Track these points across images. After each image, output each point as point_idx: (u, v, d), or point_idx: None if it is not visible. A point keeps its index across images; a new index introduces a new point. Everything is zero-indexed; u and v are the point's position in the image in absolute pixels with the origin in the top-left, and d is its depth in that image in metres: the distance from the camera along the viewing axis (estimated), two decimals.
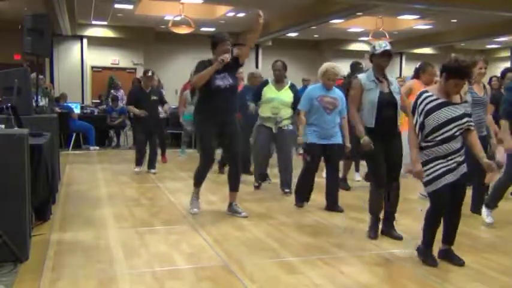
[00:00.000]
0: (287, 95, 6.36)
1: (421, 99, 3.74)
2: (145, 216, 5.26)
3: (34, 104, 6.46)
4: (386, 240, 4.42)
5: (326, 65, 5.65)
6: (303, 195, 5.75)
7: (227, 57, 4.91)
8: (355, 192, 6.66)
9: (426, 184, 3.78)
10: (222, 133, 5.15)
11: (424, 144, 3.74)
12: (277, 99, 6.31)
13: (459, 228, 4.93)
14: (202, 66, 5.03)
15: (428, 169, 3.73)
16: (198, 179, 5.36)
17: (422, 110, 3.71)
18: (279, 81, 6.41)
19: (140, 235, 4.53)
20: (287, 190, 6.35)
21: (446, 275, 3.63)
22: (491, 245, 4.45)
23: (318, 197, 5.90)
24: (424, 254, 3.85)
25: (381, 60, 4.42)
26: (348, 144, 5.65)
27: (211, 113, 5.08)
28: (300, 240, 4.44)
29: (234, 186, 5.33)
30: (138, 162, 8.03)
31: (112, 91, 13.61)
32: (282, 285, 3.40)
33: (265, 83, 6.49)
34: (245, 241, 4.39)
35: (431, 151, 3.72)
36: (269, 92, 6.37)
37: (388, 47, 4.42)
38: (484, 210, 5.07)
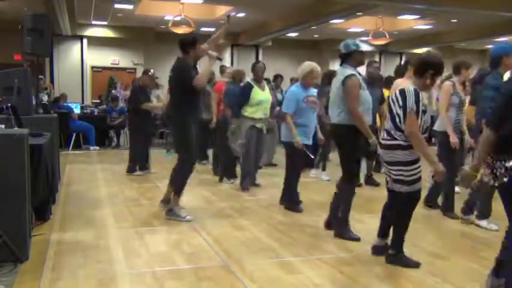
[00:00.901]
0: (269, 95, 6.75)
1: (420, 97, 3.66)
2: (145, 216, 5.26)
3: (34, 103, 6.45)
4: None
5: (310, 64, 5.56)
6: (297, 198, 5.66)
7: (217, 54, 5.13)
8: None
9: (409, 183, 3.72)
10: None
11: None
12: (265, 101, 6.56)
13: (460, 229, 4.94)
14: (190, 67, 5.06)
15: (414, 169, 3.70)
16: (184, 184, 5.14)
17: (418, 108, 3.64)
18: (260, 81, 6.62)
19: (140, 235, 4.54)
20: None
21: (446, 274, 3.63)
22: (491, 245, 4.44)
23: (318, 196, 5.90)
24: (403, 258, 3.81)
25: (363, 58, 4.53)
26: (321, 136, 5.93)
27: (193, 112, 5.15)
28: (300, 240, 4.44)
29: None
30: (137, 165, 7.99)
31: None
32: (282, 285, 3.41)
33: (251, 85, 6.56)
34: (245, 241, 4.39)
35: (414, 151, 3.68)
36: (257, 94, 6.51)
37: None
38: (483, 222, 4.97)
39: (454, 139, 5.16)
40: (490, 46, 22.32)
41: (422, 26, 17.63)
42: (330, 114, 4.65)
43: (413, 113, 3.60)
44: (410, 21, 17.02)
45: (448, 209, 5.38)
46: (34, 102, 6.30)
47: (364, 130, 4.36)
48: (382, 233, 4.02)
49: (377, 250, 4.01)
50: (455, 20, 16.26)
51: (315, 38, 20.78)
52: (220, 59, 5.27)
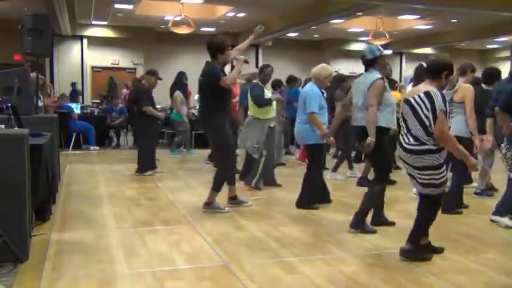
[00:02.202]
0: None
1: (445, 98, 3.77)
2: (145, 216, 5.26)
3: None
4: (387, 240, 4.42)
5: (328, 67, 5.72)
6: (317, 195, 5.72)
7: (244, 58, 5.42)
8: (354, 192, 6.64)
9: (439, 186, 3.80)
10: None
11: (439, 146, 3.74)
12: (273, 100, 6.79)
13: (461, 229, 4.94)
14: (218, 70, 5.28)
15: (443, 171, 3.79)
16: (223, 183, 5.46)
17: (446, 109, 3.73)
18: (265, 83, 6.82)
19: (140, 235, 4.53)
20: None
21: (447, 274, 3.63)
22: (491, 245, 4.44)
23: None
24: (419, 252, 3.90)
25: (385, 62, 4.74)
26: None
27: (227, 113, 5.42)
28: (300, 240, 4.44)
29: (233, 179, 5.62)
30: (147, 166, 7.98)
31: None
32: (282, 285, 3.41)
33: (262, 86, 6.70)
34: (245, 241, 4.39)
35: (442, 154, 3.75)
36: (268, 94, 6.73)
37: None
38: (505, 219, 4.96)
39: (478, 142, 5.38)
40: (490, 46, 22.37)
41: (422, 26, 17.65)
42: (355, 117, 4.73)
43: (442, 113, 3.67)
44: (411, 21, 17.04)
45: (456, 207, 5.50)
46: (39, 103, 6.33)
47: (372, 129, 4.47)
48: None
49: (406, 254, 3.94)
50: (455, 20, 16.27)
51: (315, 38, 20.80)
52: (247, 62, 5.51)
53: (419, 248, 3.92)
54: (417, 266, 3.78)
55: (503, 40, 19.91)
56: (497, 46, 22.39)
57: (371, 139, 4.44)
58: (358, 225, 4.66)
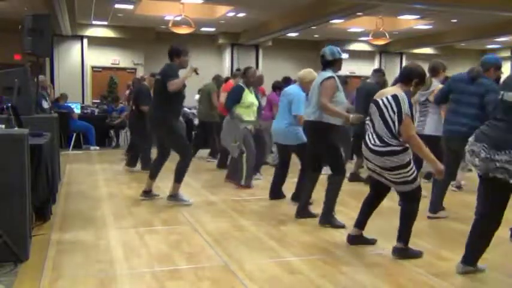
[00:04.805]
0: (255, 99, 6.91)
1: (411, 102, 3.93)
2: (145, 216, 5.26)
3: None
4: (386, 240, 4.41)
5: (314, 73, 5.70)
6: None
7: (196, 68, 5.72)
8: (352, 191, 6.64)
9: (413, 181, 3.89)
10: None
11: (406, 145, 3.85)
12: (255, 104, 6.79)
13: (460, 228, 4.94)
14: (173, 72, 5.51)
15: (411, 167, 3.87)
16: (185, 174, 5.75)
17: (412, 113, 3.88)
18: (249, 86, 6.82)
19: (140, 235, 4.54)
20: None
21: (446, 274, 3.63)
22: (491, 245, 4.43)
23: (317, 196, 5.90)
24: (409, 251, 3.96)
25: (341, 64, 4.89)
26: None
27: (178, 112, 5.87)
28: (300, 240, 4.45)
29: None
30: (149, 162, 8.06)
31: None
32: (282, 285, 3.41)
33: (242, 88, 6.72)
34: (245, 241, 4.39)
35: (408, 152, 3.86)
36: (249, 96, 6.72)
37: None
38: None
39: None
40: (490, 46, 22.35)
41: (422, 26, 17.63)
42: (307, 113, 4.96)
43: (408, 118, 3.81)
44: (410, 21, 17.01)
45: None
46: (44, 104, 6.39)
47: (338, 115, 4.72)
48: (360, 224, 4.26)
49: (353, 240, 4.24)
50: (455, 20, 16.25)
51: (315, 38, 20.77)
52: (197, 73, 5.73)
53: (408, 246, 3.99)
54: (417, 266, 3.79)
55: (503, 40, 19.90)
56: (497, 46, 22.36)
57: (349, 119, 4.66)
58: (326, 219, 4.83)
